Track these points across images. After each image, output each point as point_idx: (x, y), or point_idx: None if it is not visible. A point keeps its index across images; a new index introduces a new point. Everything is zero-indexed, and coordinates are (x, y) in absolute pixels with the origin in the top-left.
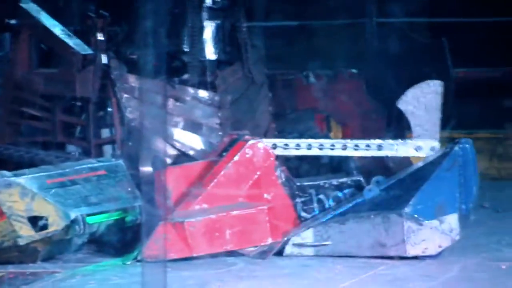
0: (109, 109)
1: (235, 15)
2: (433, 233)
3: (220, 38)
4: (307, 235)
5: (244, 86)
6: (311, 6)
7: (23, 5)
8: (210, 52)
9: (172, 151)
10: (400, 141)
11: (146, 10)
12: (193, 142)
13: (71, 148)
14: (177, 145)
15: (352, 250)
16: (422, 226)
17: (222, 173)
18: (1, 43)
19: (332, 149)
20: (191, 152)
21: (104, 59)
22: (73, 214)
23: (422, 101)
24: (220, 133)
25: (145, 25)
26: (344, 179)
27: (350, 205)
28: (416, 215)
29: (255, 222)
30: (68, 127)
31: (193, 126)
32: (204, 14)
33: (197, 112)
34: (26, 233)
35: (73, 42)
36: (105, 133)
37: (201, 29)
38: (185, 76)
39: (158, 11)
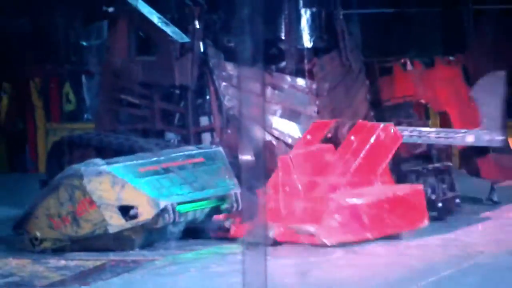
0: (207, 97)
1: (332, 3)
2: None
3: (316, 25)
4: None
5: (342, 74)
6: None
7: None
8: (307, 40)
9: (270, 139)
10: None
11: None
12: (291, 130)
13: (170, 135)
14: (275, 133)
15: None
16: None
17: (361, 155)
18: (99, 31)
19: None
20: (289, 140)
21: (201, 47)
22: (162, 203)
23: (489, 90)
24: (318, 120)
25: (242, 12)
26: (437, 165)
27: None
28: None
29: (414, 204)
30: (167, 114)
31: (290, 114)
32: (301, 2)
33: (295, 100)
34: (116, 222)
35: (170, 30)
36: (204, 121)
37: (297, 16)
38: (282, 64)
39: None
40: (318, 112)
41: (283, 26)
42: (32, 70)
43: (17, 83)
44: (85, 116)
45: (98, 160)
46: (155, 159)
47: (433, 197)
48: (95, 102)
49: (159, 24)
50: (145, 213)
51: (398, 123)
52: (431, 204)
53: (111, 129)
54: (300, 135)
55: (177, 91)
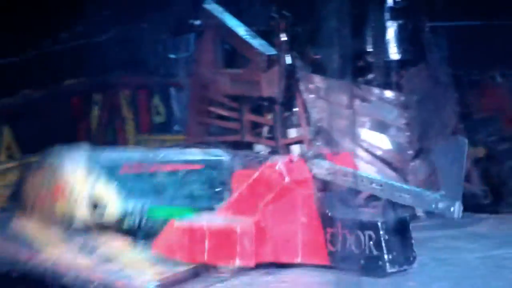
0: (295, 109)
1: (417, 15)
2: None
3: (403, 38)
4: None
5: (429, 86)
6: (495, 5)
7: (206, 6)
8: (394, 52)
9: (360, 152)
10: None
11: (328, 10)
12: (380, 142)
13: (259, 147)
14: (364, 145)
15: None
16: None
17: (242, 188)
18: (186, 44)
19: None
20: (379, 152)
21: (288, 59)
22: (130, 206)
23: (450, 157)
24: (407, 133)
25: (328, 25)
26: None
27: None
28: None
29: (226, 241)
30: (255, 126)
31: (379, 126)
32: (387, 14)
33: (383, 112)
34: (81, 217)
35: (257, 42)
36: (292, 133)
37: (384, 29)
38: (370, 76)
39: (340, 11)
40: (407, 124)
41: (369, 39)
42: (122, 82)
43: (107, 94)
44: (175, 128)
45: (84, 148)
46: (147, 158)
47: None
48: (184, 114)
49: (246, 37)
50: (111, 213)
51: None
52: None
53: (201, 141)
54: (390, 147)
55: (265, 103)
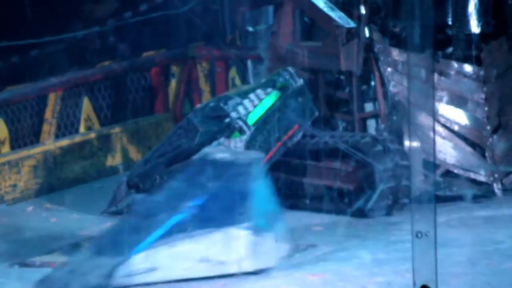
0: (372, 83)
1: None
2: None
3: (484, 10)
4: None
5: (510, 60)
6: None
7: None
8: (475, 25)
9: (437, 126)
10: None
11: None
12: (458, 117)
13: (336, 121)
14: (442, 120)
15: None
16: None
17: None
18: (265, 16)
19: None
20: (456, 127)
21: (367, 32)
22: None
23: None
24: (485, 108)
25: None
26: None
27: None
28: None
29: None
30: (332, 100)
31: (457, 101)
32: None
33: (462, 86)
34: None
35: (336, 15)
36: (369, 107)
37: (465, 1)
38: (449, 50)
39: None
40: (485, 99)
41: (450, 11)
42: (200, 54)
43: (185, 66)
44: None
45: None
46: None
47: None
48: None
49: (325, 9)
50: None
51: None
52: None
53: None
54: (468, 122)
55: (342, 77)
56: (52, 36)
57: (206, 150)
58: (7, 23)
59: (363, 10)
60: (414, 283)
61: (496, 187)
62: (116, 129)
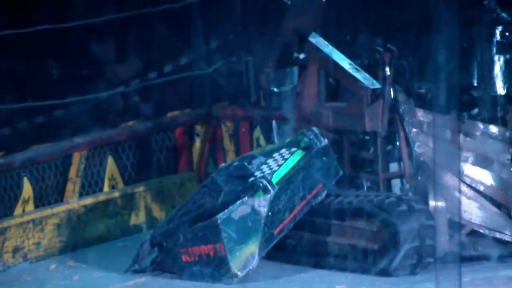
0: (397, 143)
1: None
2: None
3: (510, 72)
4: None
5: None
6: None
7: (311, 39)
8: (500, 87)
9: (462, 187)
10: None
11: (435, 44)
12: (483, 177)
13: (360, 181)
14: (467, 180)
15: None
16: None
17: None
18: (290, 77)
19: None
20: (481, 188)
21: (392, 93)
22: None
23: None
24: (511, 169)
25: (434, 58)
26: None
27: None
28: None
29: None
30: (357, 160)
31: (483, 162)
32: (494, 48)
33: (488, 147)
34: None
35: (361, 76)
36: (394, 167)
37: (491, 63)
38: (475, 111)
39: (447, 44)
40: (511, 160)
41: (475, 73)
42: (225, 114)
43: (210, 126)
44: None
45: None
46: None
47: None
48: None
49: (350, 70)
50: None
51: None
52: None
53: None
54: (494, 183)
55: (367, 137)
56: (77, 96)
57: None
58: (32, 83)
59: (388, 71)
60: None
61: None
62: (140, 188)
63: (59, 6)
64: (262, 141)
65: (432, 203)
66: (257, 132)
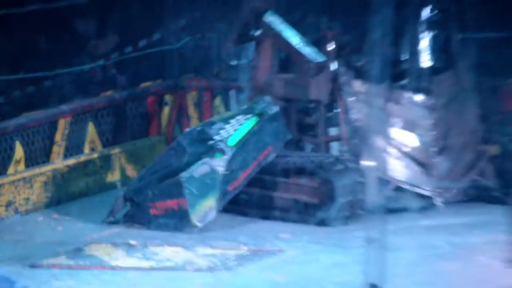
0: (336, 110)
1: (449, 27)
2: None
3: (435, 47)
4: None
5: (455, 91)
6: None
7: (266, 18)
8: (426, 60)
9: (390, 148)
10: None
11: (371, 23)
12: (408, 140)
13: (305, 144)
14: (395, 142)
15: None
16: None
17: None
18: (246, 52)
19: None
20: (406, 149)
21: (333, 66)
22: None
23: None
24: (433, 132)
25: (371, 35)
26: None
27: None
28: None
29: None
30: (302, 125)
31: (409, 126)
32: (421, 26)
33: (413, 113)
34: None
35: (308, 51)
36: (333, 131)
37: (418, 39)
38: (404, 82)
39: (381, 23)
40: (432, 125)
41: (405, 48)
42: (190, 85)
43: (177, 96)
44: None
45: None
46: None
47: None
48: None
49: (298, 46)
50: None
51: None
52: None
53: None
54: (417, 145)
55: (312, 105)
56: (63, 69)
57: None
58: (24, 58)
59: (331, 47)
60: (366, 283)
61: (438, 200)
62: (116, 150)
63: None
64: (221, 109)
65: (364, 162)
66: (217, 101)
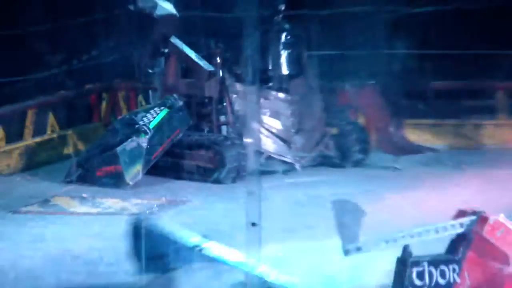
0: (224, 104)
1: (300, 47)
2: None
3: (290, 60)
4: None
5: (306, 90)
6: (348, 39)
7: (172, 40)
8: (285, 69)
9: (262, 130)
10: None
11: (246, 44)
12: (275, 124)
13: (202, 127)
14: (266, 126)
15: None
16: None
17: None
18: (159, 63)
19: None
20: (274, 130)
21: (221, 73)
22: None
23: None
24: (291, 119)
25: (246, 52)
26: None
27: None
28: None
29: None
30: (200, 114)
31: (275, 115)
32: (281, 46)
33: (277, 106)
34: None
35: (202, 63)
36: (222, 118)
37: (279, 55)
38: (270, 84)
39: (253, 43)
40: (291, 113)
41: (270, 60)
42: (120, 86)
43: (111, 94)
44: None
45: None
46: None
47: None
48: None
49: (195, 59)
50: None
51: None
52: None
53: None
54: (281, 127)
55: (206, 100)
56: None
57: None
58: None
59: (218, 60)
60: (249, 222)
61: (297, 166)
62: (70, 132)
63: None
64: (143, 103)
65: (245, 140)
66: (140, 98)
